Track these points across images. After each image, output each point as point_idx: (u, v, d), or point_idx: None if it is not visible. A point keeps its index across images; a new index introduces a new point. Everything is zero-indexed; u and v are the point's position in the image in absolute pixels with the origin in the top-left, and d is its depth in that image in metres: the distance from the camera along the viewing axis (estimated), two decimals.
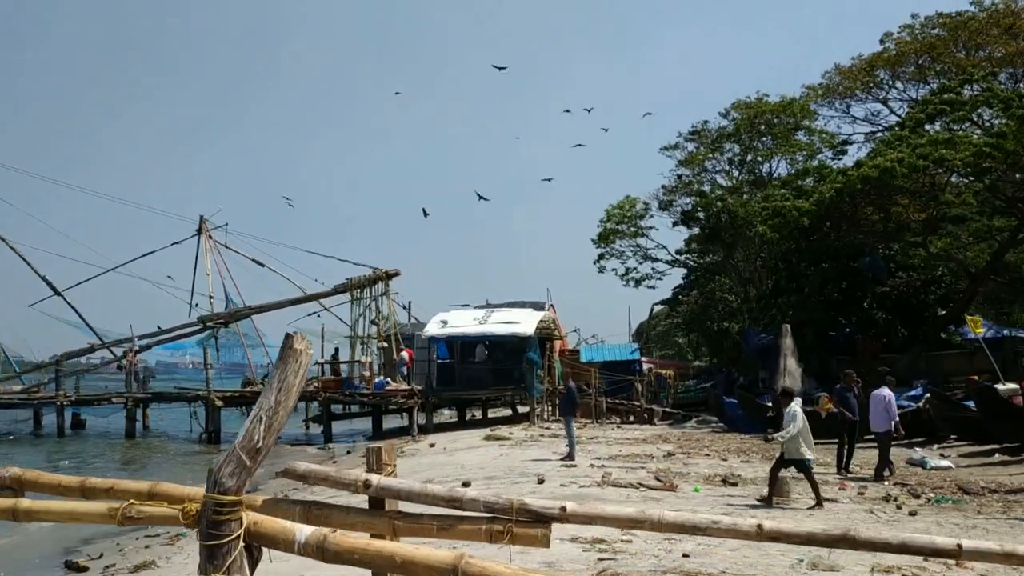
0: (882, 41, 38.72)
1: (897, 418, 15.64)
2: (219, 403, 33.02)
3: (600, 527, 5.96)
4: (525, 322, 32.60)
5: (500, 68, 44.41)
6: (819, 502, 11.99)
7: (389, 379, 32.57)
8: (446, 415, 40.03)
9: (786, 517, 11.11)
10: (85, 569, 10.64)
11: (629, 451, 20.60)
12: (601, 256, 43.37)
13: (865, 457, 17.44)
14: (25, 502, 3.80)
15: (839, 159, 38.98)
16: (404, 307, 43.30)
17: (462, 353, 34.22)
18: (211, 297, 39.35)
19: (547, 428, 28.38)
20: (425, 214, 46.92)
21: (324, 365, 35.92)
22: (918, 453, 17.95)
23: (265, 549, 3.35)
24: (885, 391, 15.77)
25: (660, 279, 44.49)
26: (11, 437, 34.37)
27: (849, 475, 15.62)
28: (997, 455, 17.56)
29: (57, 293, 38.25)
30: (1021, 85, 33.68)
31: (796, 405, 12.79)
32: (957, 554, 3.08)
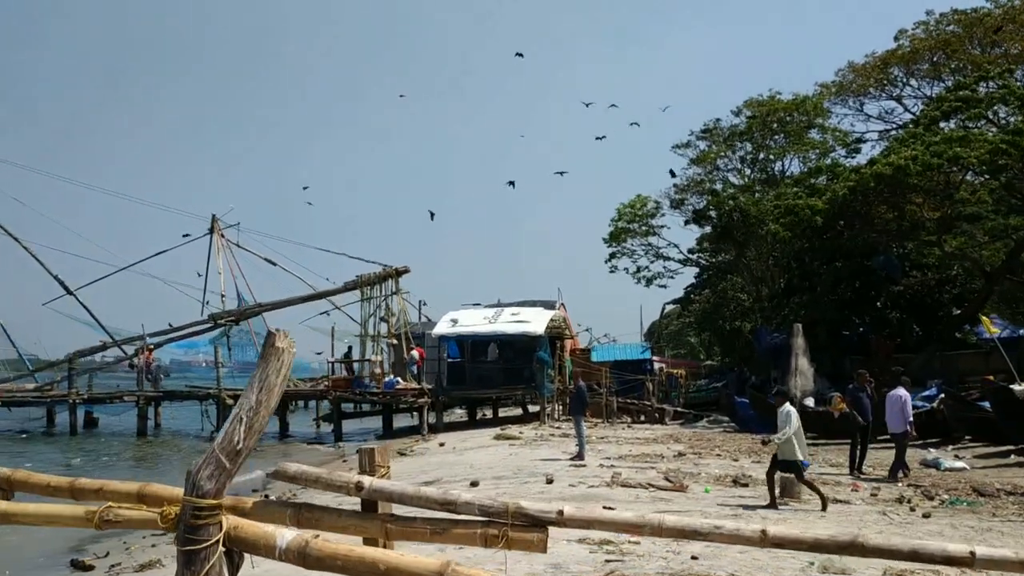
0: (896, 38, 38.44)
1: (911, 418, 15.47)
2: (230, 401, 33.02)
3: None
4: (535, 321, 32.49)
5: (519, 55, 43.64)
6: (824, 504, 11.80)
7: (399, 378, 32.52)
8: (457, 414, 39.96)
9: (797, 519, 10.98)
10: (91, 568, 10.61)
11: (639, 451, 20.47)
12: (612, 255, 43.19)
13: (878, 458, 17.26)
14: (2, 504, 3.71)
15: (852, 157, 38.73)
16: (421, 304, 43.30)
17: (472, 352, 34.16)
18: (223, 295, 39.50)
19: (557, 428, 28.27)
20: (432, 216, 46.88)
21: (335, 364, 35.94)
22: (932, 454, 17.74)
23: (248, 555, 3.25)
24: (901, 391, 15.59)
25: (672, 278, 44.28)
26: (24, 435, 34.51)
27: (862, 476, 15.44)
28: (1013, 456, 17.34)
29: (69, 292, 38.41)
30: None
31: (790, 406, 12.66)
32: (970, 562, 2.95)
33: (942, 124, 29.45)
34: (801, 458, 12.27)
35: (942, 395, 21.57)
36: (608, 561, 8.29)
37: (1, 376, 38.51)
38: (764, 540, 3.04)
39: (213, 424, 33.57)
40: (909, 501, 12.48)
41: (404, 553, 3.16)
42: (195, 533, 3.12)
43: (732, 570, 7.87)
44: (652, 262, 43.33)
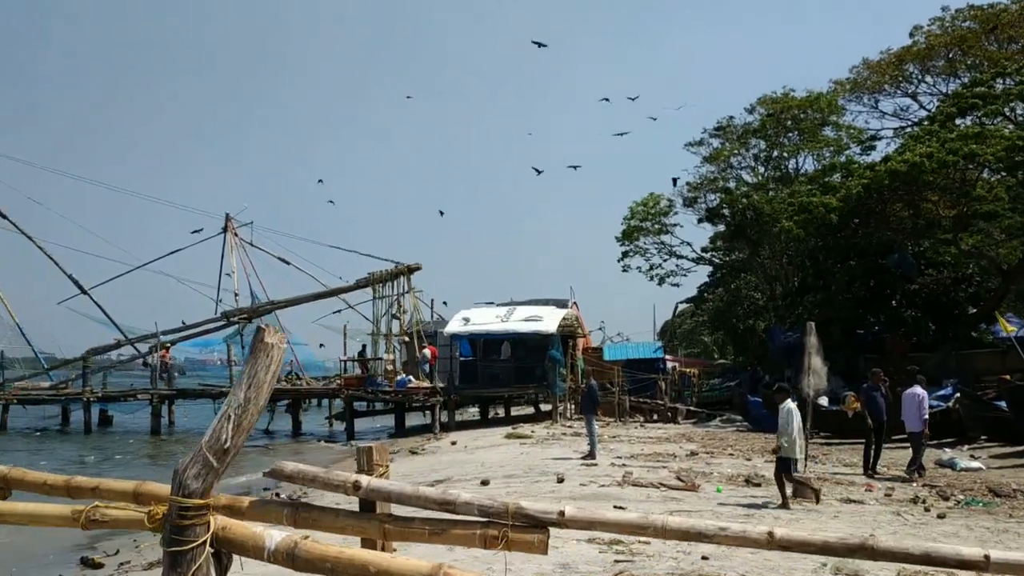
0: (911, 34, 38.07)
1: (927, 417, 15.33)
2: None
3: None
4: (548, 320, 32.42)
5: (540, 45, 43.14)
6: (817, 498, 12.01)
7: (411, 377, 32.51)
8: (470, 413, 39.94)
9: (809, 520, 10.87)
10: (100, 566, 10.61)
11: (651, 450, 20.37)
12: (625, 254, 43.02)
13: (893, 458, 17.11)
14: None
15: (867, 155, 38.37)
16: (432, 303, 43.30)
17: (484, 351, 34.12)
18: (236, 294, 39.64)
19: (569, 426, 28.18)
20: (441, 214, 47.05)
21: (347, 362, 35.99)
22: (948, 454, 17.58)
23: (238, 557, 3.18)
24: (918, 389, 15.45)
25: (685, 276, 44.07)
26: (38, 433, 34.77)
27: (876, 476, 15.30)
28: None
29: (83, 291, 38.63)
30: None
31: (791, 403, 12.57)
32: (984, 566, 2.86)
33: (958, 121, 29.16)
34: (797, 456, 12.21)
35: (958, 394, 21.36)
36: (618, 561, 8.22)
37: (16, 374, 38.74)
38: (771, 542, 2.95)
39: None
40: (924, 501, 12.34)
41: (395, 555, 3.10)
42: (181, 534, 3.05)
43: (743, 571, 7.78)
44: (665, 260, 43.16)
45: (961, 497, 12.71)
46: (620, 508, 11.50)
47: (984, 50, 36.28)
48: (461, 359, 33.95)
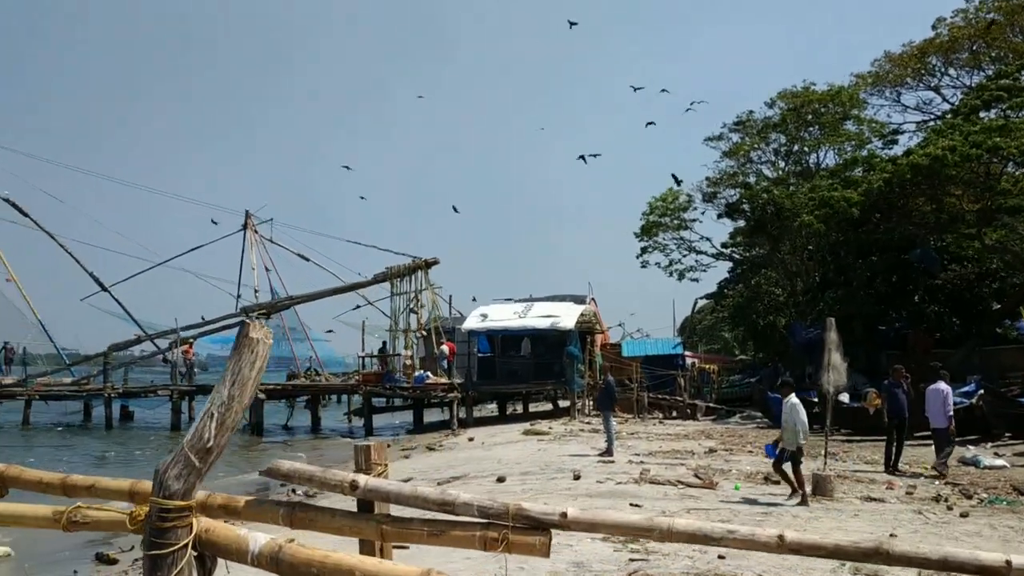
0: (934, 27, 37.55)
1: (951, 413, 15.10)
2: (261, 395, 33.26)
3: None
4: (565, 316, 32.30)
5: (572, 24, 42.48)
6: (795, 494, 11.98)
7: (429, 373, 32.49)
8: (488, 409, 39.90)
9: (829, 518, 10.72)
10: (115, 561, 10.62)
11: (670, 447, 20.23)
12: (644, 249, 42.79)
13: (915, 455, 16.90)
14: None
15: (889, 149, 37.92)
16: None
17: (503, 347, 34.04)
18: (256, 290, 39.83)
19: (587, 423, 28.05)
20: (455, 209, 47.08)
21: (366, 358, 36.02)
22: (971, 451, 17.31)
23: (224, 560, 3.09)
24: (942, 385, 15.25)
25: (704, 271, 43.79)
26: (60, 428, 35.07)
27: (898, 473, 15.09)
28: None
29: (104, 289, 38.90)
30: None
31: (795, 397, 12.43)
32: (1005, 572, 2.73)
33: (982, 114, 28.74)
34: (801, 442, 12.06)
35: (981, 391, 21.06)
36: (632, 560, 8.12)
37: (39, 370, 39.10)
38: (781, 546, 2.84)
39: (247, 419, 33.84)
40: (946, 500, 12.14)
41: (382, 560, 3.01)
42: (162, 536, 2.95)
43: (760, 570, 7.66)
44: (684, 256, 42.88)
45: (984, 495, 12.50)
46: (636, 506, 11.41)
47: (1008, 42, 35.71)
48: (479, 355, 33.89)
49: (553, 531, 3.08)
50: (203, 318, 38.91)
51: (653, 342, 44.93)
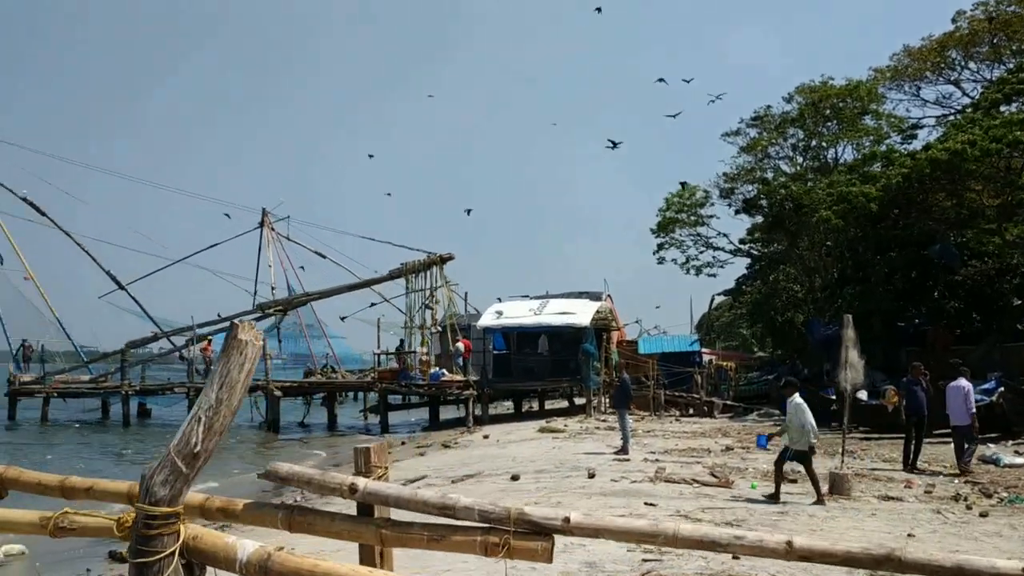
0: (954, 20, 37.11)
1: (974, 410, 14.87)
2: (278, 393, 33.42)
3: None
4: (581, 313, 32.21)
5: (598, 10, 41.93)
6: (777, 495, 11.79)
7: (444, 370, 32.50)
8: (504, 406, 39.88)
9: (846, 518, 10.60)
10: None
11: (686, 445, 20.10)
12: (661, 246, 42.60)
13: (934, 453, 16.71)
14: None
15: (908, 143, 37.56)
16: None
17: (518, 344, 33.98)
18: (273, 287, 40.01)
19: (603, 420, 27.96)
20: (468, 212, 47.07)
21: (381, 356, 36.08)
22: (991, 449, 17.09)
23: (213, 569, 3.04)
24: (962, 382, 15.02)
25: (721, 267, 43.56)
26: (77, 425, 35.37)
27: (916, 472, 14.92)
28: None
29: (121, 287, 39.13)
30: None
31: (799, 397, 12.31)
32: None
33: (1003, 108, 28.40)
34: (801, 447, 11.93)
35: (1002, 388, 20.79)
36: (645, 560, 8.04)
37: (57, 368, 39.42)
38: (790, 552, 2.76)
39: (263, 416, 33.99)
40: (966, 499, 11.98)
41: (374, 569, 2.95)
42: (147, 544, 2.88)
43: (774, 571, 7.57)
44: (701, 252, 42.66)
45: (1005, 495, 12.32)
46: (651, 504, 11.32)
47: None
48: (495, 352, 33.85)
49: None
50: (219, 315, 39.05)
51: (670, 339, 44.75)
